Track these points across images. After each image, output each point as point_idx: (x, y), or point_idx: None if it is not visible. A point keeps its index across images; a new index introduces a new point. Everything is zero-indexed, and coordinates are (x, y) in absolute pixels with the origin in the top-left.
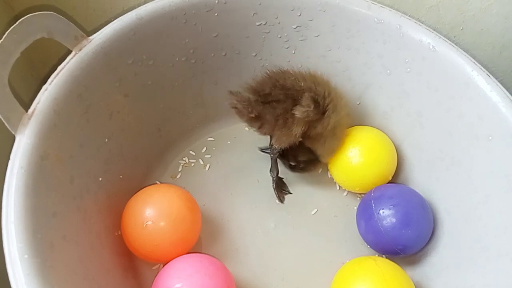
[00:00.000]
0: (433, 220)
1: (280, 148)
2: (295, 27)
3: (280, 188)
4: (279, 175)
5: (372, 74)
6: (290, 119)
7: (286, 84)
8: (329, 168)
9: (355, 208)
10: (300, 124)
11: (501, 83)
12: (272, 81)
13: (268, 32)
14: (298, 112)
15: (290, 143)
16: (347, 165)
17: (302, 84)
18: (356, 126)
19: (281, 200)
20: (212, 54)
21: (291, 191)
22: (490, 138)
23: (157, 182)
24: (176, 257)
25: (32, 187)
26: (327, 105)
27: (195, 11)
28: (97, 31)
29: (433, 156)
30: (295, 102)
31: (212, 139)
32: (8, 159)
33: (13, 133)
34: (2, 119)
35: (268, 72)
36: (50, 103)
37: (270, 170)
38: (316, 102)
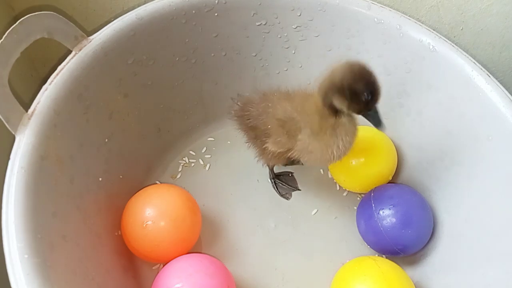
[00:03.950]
0: (433, 220)
1: (272, 165)
2: (295, 27)
3: (287, 185)
4: (290, 171)
5: None
6: (265, 140)
7: (259, 110)
8: (329, 168)
9: (355, 208)
10: (274, 154)
11: (501, 83)
12: (250, 108)
13: (268, 32)
14: (270, 145)
15: (273, 164)
16: (347, 165)
17: (270, 110)
18: None
19: (287, 197)
20: (212, 54)
21: (299, 188)
22: (490, 138)
23: (157, 182)
24: (176, 257)
25: (32, 187)
26: (297, 126)
27: (195, 11)
28: (97, 31)
29: (433, 156)
30: (266, 130)
31: (212, 139)
32: (8, 159)
33: (13, 133)
34: (2, 119)
35: (255, 95)
36: (50, 103)
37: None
38: (284, 128)
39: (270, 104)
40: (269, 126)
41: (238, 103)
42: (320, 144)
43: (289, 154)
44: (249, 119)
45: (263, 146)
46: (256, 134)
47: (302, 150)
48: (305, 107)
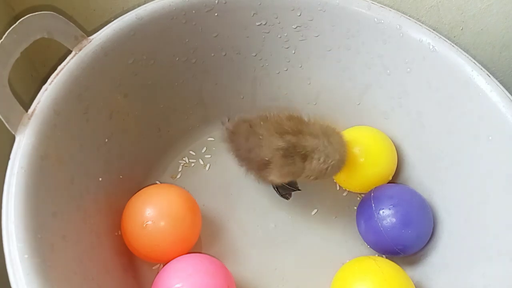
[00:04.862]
0: (433, 220)
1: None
2: (295, 27)
3: (287, 185)
4: None
5: (372, 74)
6: (264, 172)
7: (250, 143)
8: None
9: (355, 208)
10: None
11: (501, 83)
12: (241, 138)
13: (268, 32)
14: (275, 178)
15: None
16: (347, 165)
17: (265, 142)
18: (356, 126)
19: (286, 197)
20: (212, 54)
21: (300, 188)
22: (490, 138)
23: (157, 182)
24: (176, 257)
25: (32, 187)
26: (305, 148)
27: (195, 11)
28: (97, 31)
29: (433, 156)
30: (265, 163)
31: (212, 139)
32: (8, 159)
33: (13, 133)
34: (2, 119)
35: (242, 124)
36: (50, 103)
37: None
38: (287, 156)
39: (261, 137)
40: (267, 159)
41: (227, 130)
42: (336, 158)
43: (295, 179)
44: (239, 149)
45: (269, 179)
46: (253, 166)
47: (314, 170)
48: (307, 130)
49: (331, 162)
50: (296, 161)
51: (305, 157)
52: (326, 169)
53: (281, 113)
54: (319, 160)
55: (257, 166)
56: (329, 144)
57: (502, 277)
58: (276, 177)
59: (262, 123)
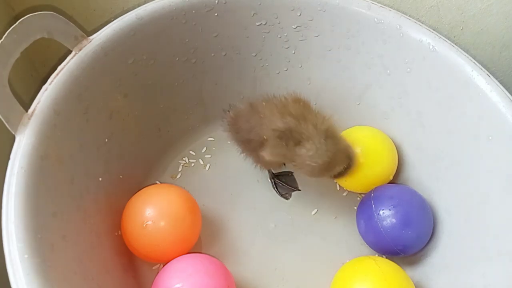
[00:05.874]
0: (433, 220)
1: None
2: (295, 27)
3: (287, 185)
4: (290, 171)
5: (372, 74)
6: (260, 151)
7: (251, 123)
8: None
9: (355, 208)
10: (271, 162)
11: (501, 83)
12: (240, 121)
13: (268, 32)
14: (267, 155)
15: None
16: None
17: (265, 121)
18: (356, 126)
19: (286, 197)
20: (212, 54)
21: (299, 188)
22: (490, 138)
23: (157, 182)
24: (176, 257)
25: (32, 187)
26: (301, 134)
27: (195, 11)
28: (97, 31)
29: (433, 156)
30: (262, 142)
31: (212, 139)
32: (8, 159)
33: (13, 133)
34: (2, 119)
35: (242, 107)
36: (50, 103)
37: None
38: (281, 138)
39: (262, 115)
40: (265, 137)
41: (228, 116)
42: (324, 159)
43: (288, 163)
44: (239, 132)
45: (260, 157)
46: (251, 147)
47: (299, 157)
48: (313, 120)
49: (315, 161)
50: (289, 144)
51: (298, 142)
52: (308, 165)
53: (288, 95)
54: (307, 151)
55: (254, 146)
56: (324, 144)
57: (502, 277)
58: (267, 155)
59: (264, 103)
